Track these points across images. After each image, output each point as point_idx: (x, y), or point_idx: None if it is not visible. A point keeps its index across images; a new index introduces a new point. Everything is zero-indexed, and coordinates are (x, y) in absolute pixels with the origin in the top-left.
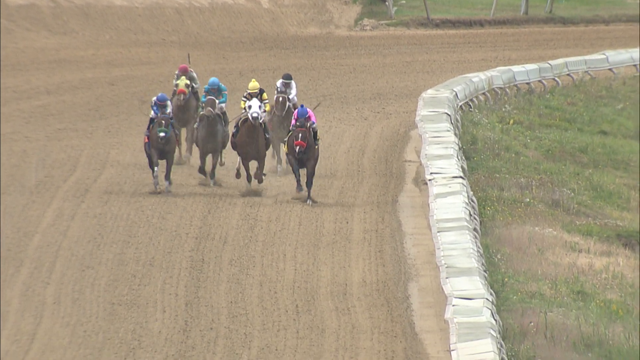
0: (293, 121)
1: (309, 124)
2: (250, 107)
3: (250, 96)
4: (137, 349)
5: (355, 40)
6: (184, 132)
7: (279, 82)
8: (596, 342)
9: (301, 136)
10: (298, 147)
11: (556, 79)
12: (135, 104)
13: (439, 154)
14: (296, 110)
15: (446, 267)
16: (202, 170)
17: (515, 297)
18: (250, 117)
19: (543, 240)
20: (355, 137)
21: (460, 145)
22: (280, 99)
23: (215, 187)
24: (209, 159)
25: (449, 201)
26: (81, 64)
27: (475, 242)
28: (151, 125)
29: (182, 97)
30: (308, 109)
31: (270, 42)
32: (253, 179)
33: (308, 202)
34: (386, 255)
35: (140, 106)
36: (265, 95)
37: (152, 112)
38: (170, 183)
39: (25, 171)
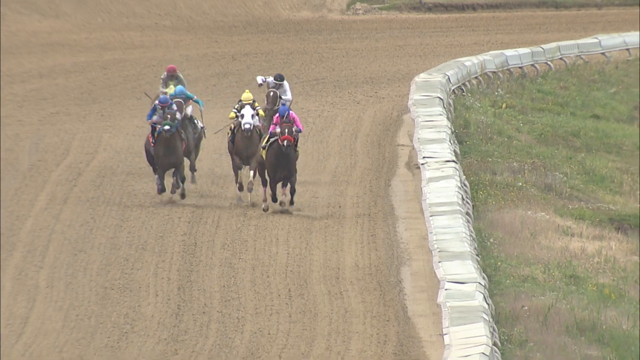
0: (272, 126)
1: (294, 129)
2: (242, 115)
3: (241, 107)
4: (130, 332)
5: (348, 24)
6: None
7: (270, 83)
8: (589, 326)
9: (287, 130)
10: (285, 142)
11: (549, 63)
12: (139, 96)
13: (432, 138)
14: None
15: (439, 251)
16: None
17: (507, 281)
18: (242, 128)
19: (535, 224)
20: (348, 121)
21: (453, 129)
22: (272, 93)
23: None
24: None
25: (442, 185)
26: (74, 48)
27: (468, 226)
28: (156, 134)
29: None
30: (292, 112)
31: (263, 26)
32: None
33: (284, 201)
34: (379, 240)
35: (146, 93)
36: (256, 104)
37: (156, 117)
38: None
39: (19, 155)
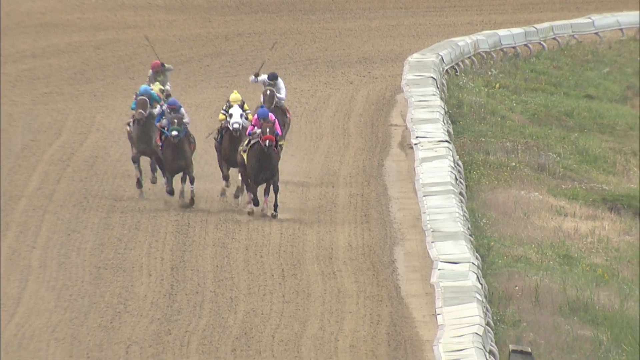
0: (250, 127)
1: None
2: (231, 115)
3: (229, 107)
4: (123, 312)
5: (341, 4)
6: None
7: (265, 80)
8: (582, 306)
9: (269, 130)
10: (267, 142)
11: (542, 42)
12: (132, 75)
13: (425, 118)
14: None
15: (432, 231)
16: (139, 183)
17: (501, 261)
18: (230, 128)
19: (529, 204)
20: (341, 101)
21: (446, 109)
22: (268, 92)
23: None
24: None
25: (435, 165)
26: (67, 28)
27: (461, 206)
28: (163, 137)
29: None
30: (271, 114)
31: (256, 5)
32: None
33: (267, 211)
34: (372, 220)
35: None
36: (246, 106)
37: (164, 121)
38: (192, 195)
39: (12, 135)
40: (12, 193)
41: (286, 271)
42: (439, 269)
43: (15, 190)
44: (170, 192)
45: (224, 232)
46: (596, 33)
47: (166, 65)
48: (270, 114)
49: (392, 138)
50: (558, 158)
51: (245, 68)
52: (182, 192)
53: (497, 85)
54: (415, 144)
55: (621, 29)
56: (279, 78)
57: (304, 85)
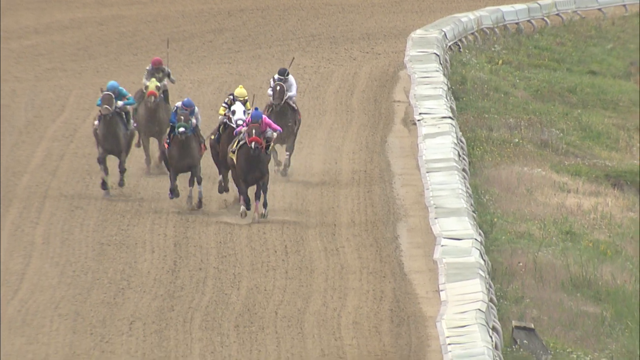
0: (240, 128)
1: (269, 132)
2: (234, 112)
3: (232, 102)
4: (126, 289)
5: None
6: (152, 141)
7: (275, 77)
8: (585, 282)
9: (255, 132)
10: (253, 143)
11: (545, 19)
12: (136, 52)
13: (428, 95)
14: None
15: (435, 208)
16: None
17: (504, 237)
18: (233, 125)
19: (532, 181)
20: (344, 77)
21: (449, 85)
22: (278, 87)
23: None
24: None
25: (438, 142)
26: (70, 4)
27: (464, 183)
28: (172, 135)
29: (152, 99)
30: (264, 115)
31: None
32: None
33: (257, 217)
34: (375, 196)
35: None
36: (248, 105)
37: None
38: (200, 198)
39: (15, 111)
40: (15, 169)
41: (289, 247)
42: (442, 245)
43: (18, 166)
44: (173, 192)
45: (227, 208)
46: (599, 9)
47: (171, 75)
48: (264, 116)
49: (395, 114)
50: (561, 134)
51: (248, 44)
52: (189, 196)
53: (500, 62)
54: (419, 120)
55: (624, 5)
56: (290, 75)
57: (307, 62)
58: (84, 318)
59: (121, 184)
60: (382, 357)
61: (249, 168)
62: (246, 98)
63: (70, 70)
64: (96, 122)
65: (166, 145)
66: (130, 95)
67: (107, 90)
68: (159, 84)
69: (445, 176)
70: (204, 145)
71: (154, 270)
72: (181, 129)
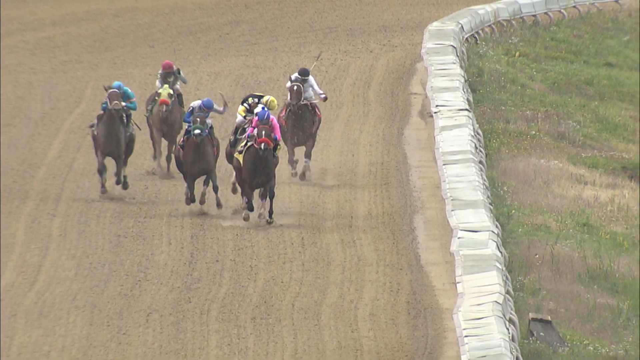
0: (250, 130)
1: (272, 135)
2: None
3: (256, 105)
4: (143, 280)
5: None
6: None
7: (293, 76)
8: (602, 274)
9: (265, 133)
10: (263, 144)
11: (562, 11)
12: (152, 44)
13: (445, 87)
14: (256, 114)
15: (452, 200)
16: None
17: (520, 229)
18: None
19: (549, 173)
20: (361, 69)
21: (466, 77)
22: (295, 87)
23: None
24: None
25: (455, 134)
26: None
27: (481, 175)
28: (186, 137)
29: (164, 108)
30: (272, 116)
31: None
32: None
33: (262, 218)
34: (392, 188)
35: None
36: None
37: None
38: (219, 204)
39: (31, 103)
40: (31, 161)
41: (306, 239)
42: (458, 237)
43: (35, 158)
44: (191, 199)
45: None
46: (616, 1)
47: (181, 73)
48: (272, 117)
49: (412, 106)
50: (578, 126)
51: (265, 36)
52: (202, 196)
53: (517, 54)
54: (435, 113)
55: None
56: (310, 75)
57: (324, 54)
58: (100, 310)
59: (125, 185)
60: (399, 349)
61: (255, 170)
62: (270, 100)
63: (87, 62)
64: (93, 127)
65: (180, 150)
66: (134, 99)
67: (112, 88)
68: (171, 91)
69: (462, 168)
70: (217, 148)
71: (171, 262)
72: (197, 131)
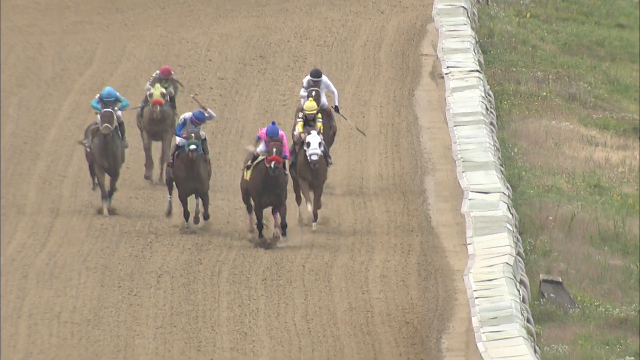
0: (262, 145)
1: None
2: (308, 144)
3: (306, 119)
4: (154, 242)
5: None
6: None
7: (305, 80)
8: (613, 235)
9: (276, 150)
10: (273, 163)
11: None
12: (163, 5)
13: (456, 48)
14: (265, 129)
15: (462, 161)
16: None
17: (531, 191)
18: (309, 158)
19: (560, 134)
20: (372, 30)
21: (477, 38)
22: (314, 92)
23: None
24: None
25: (466, 95)
26: None
27: (492, 136)
28: (176, 152)
29: (158, 108)
30: (281, 130)
31: None
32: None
33: (276, 237)
34: (402, 149)
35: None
36: (320, 124)
37: (180, 138)
38: (206, 218)
39: (42, 64)
40: (42, 122)
41: None
42: (469, 199)
43: (46, 119)
44: (185, 215)
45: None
46: None
47: (178, 81)
48: (280, 131)
49: (423, 68)
50: (589, 87)
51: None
52: (196, 214)
53: (528, 15)
54: (446, 74)
55: None
56: (323, 75)
57: (335, 15)
58: (112, 271)
59: (108, 200)
60: (409, 310)
61: (263, 188)
62: (315, 113)
63: (97, 24)
64: (86, 142)
65: (170, 166)
66: (123, 98)
67: (104, 97)
68: (164, 91)
69: (472, 130)
70: (211, 164)
71: (182, 224)
72: (192, 147)
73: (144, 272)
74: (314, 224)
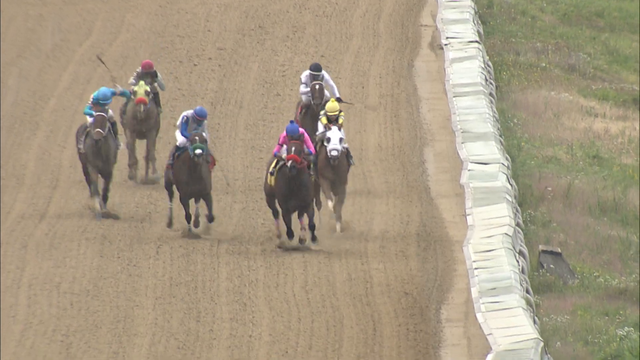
0: (277, 147)
1: (305, 150)
2: (329, 139)
3: (328, 120)
4: (154, 212)
5: None
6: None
7: (303, 76)
8: (612, 206)
9: (295, 149)
10: (290, 162)
11: None
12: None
13: (455, 19)
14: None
15: (462, 132)
16: (98, 195)
17: (531, 162)
18: (328, 153)
19: (559, 105)
20: (371, 1)
21: (476, 9)
22: (317, 86)
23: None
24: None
25: (465, 66)
26: None
27: (491, 107)
28: (176, 154)
29: (142, 108)
30: (301, 129)
31: None
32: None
33: (304, 242)
34: (402, 120)
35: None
36: (342, 114)
37: (181, 138)
38: (211, 220)
39: (41, 35)
40: (42, 93)
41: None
42: (468, 170)
43: (45, 90)
44: (189, 218)
45: (254, 133)
46: None
47: (159, 77)
48: (300, 129)
49: (422, 38)
50: (588, 58)
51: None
52: (196, 218)
53: None
54: (446, 45)
55: None
56: (323, 70)
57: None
58: (111, 242)
59: (105, 199)
60: (409, 280)
61: (289, 193)
62: (337, 114)
63: None
64: (80, 144)
65: (169, 167)
66: (123, 89)
67: (98, 99)
68: (147, 89)
69: (472, 100)
70: (212, 165)
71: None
72: (198, 151)
73: (143, 242)
74: (337, 225)
